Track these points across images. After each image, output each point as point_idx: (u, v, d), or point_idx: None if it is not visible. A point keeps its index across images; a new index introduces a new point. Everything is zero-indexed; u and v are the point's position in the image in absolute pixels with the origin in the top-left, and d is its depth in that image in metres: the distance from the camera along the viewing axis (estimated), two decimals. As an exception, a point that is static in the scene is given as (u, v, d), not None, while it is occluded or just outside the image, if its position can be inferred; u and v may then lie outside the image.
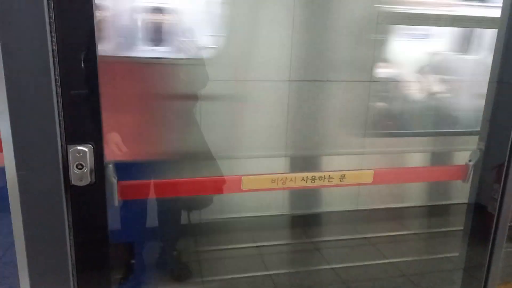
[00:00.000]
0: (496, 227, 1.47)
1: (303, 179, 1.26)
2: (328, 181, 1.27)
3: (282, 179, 1.24)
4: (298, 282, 2.36)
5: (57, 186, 1.03)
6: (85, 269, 1.14)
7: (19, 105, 0.97)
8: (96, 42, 1.03)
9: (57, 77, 0.99)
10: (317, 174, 1.26)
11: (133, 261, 2.25)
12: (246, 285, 2.28)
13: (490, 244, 1.49)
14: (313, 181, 1.26)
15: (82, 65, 1.03)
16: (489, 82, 1.43)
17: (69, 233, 1.07)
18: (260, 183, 1.25)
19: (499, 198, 1.42)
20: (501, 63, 1.40)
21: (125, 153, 1.67)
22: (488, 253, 1.50)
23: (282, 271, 2.45)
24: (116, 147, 1.61)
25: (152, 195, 1.24)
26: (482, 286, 1.52)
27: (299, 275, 2.44)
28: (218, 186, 1.25)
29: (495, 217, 1.44)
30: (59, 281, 1.11)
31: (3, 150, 0.99)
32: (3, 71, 0.94)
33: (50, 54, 0.97)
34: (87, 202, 1.07)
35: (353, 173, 1.31)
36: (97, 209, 1.09)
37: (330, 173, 1.27)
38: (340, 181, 1.28)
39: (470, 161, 1.46)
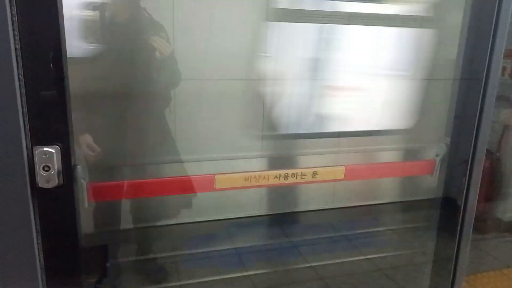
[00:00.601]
0: (463, 220, 1.52)
1: (276, 177, 1.27)
2: (301, 178, 1.29)
3: (255, 177, 1.24)
4: (276, 281, 2.37)
5: (23, 189, 1.00)
6: (55, 275, 1.11)
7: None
8: (64, 40, 1.01)
9: (20, 76, 0.96)
10: (289, 172, 1.28)
11: (108, 264, 2.21)
12: (224, 286, 2.28)
13: (457, 236, 1.54)
14: (286, 178, 1.27)
15: (49, 64, 1.00)
16: (454, 79, 1.48)
17: (37, 237, 1.04)
18: (233, 181, 1.25)
19: (464, 192, 1.47)
20: (465, 61, 1.45)
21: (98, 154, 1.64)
22: (456, 245, 1.55)
23: (261, 271, 2.46)
24: (88, 149, 1.58)
25: (123, 196, 1.22)
26: (451, 277, 1.57)
27: (277, 274, 2.46)
28: (191, 185, 1.24)
29: (461, 210, 1.49)
30: (29, 286, 1.08)
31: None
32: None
33: (13, 53, 0.94)
34: (55, 205, 1.05)
35: (325, 169, 1.33)
36: (66, 211, 1.06)
37: (303, 170, 1.29)
38: (313, 177, 1.30)
39: (437, 155, 1.50)
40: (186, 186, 1.27)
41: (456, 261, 1.50)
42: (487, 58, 1.40)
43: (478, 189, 1.50)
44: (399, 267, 2.47)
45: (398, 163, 1.68)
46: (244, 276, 2.39)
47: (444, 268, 1.62)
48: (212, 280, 2.35)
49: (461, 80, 1.49)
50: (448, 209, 1.56)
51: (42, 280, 1.09)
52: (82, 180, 1.10)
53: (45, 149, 1.00)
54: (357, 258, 2.60)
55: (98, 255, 2.21)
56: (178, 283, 2.33)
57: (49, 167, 1.00)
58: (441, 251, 1.61)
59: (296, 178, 1.28)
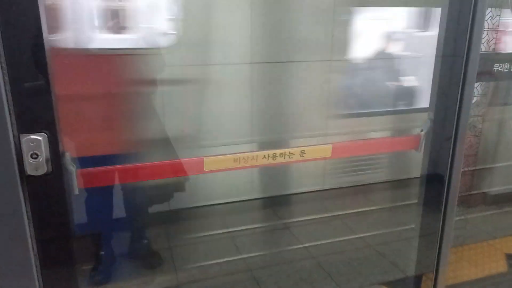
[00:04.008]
0: (447, 194, 1.55)
1: (264, 157, 1.28)
2: (289, 157, 1.31)
3: (244, 158, 1.26)
4: (271, 263, 2.42)
5: (12, 177, 1.00)
6: (49, 261, 1.13)
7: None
8: (44, 27, 1.00)
9: (3, 65, 0.96)
10: (277, 151, 1.29)
11: (102, 252, 2.23)
12: (219, 269, 2.32)
13: (443, 210, 1.58)
14: (274, 158, 1.29)
15: (32, 52, 1.00)
16: (436, 56, 1.50)
17: (29, 225, 1.05)
18: (222, 163, 1.27)
19: (448, 167, 1.50)
20: (445, 38, 1.46)
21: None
22: (441, 220, 1.59)
23: (255, 254, 2.50)
24: None
25: (113, 182, 1.23)
26: (437, 250, 1.62)
27: (272, 256, 2.50)
28: (180, 168, 1.25)
29: (446, 185, 1.52)
30: (23, 276, 1.09)
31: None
32: None
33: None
34: (45, 192, 1.05)
35: (312, 148, 1.35)
36: (56, 198, 1.07)
37: (291, 150, 1.31)
38: (301, 156, 1.32)
39: (421, 130, 1.53)
40: (176, 170, 1.28)
41: (442, 234, 1.54)
42: (468, 35, 1.42)
43: (462, 164, 1.53)
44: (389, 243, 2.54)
45: (384, 139, 1.70)
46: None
47: (430, 242, 1.67)
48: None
49: (443, 56, 1.51)
50: (433, 184, 1.59)
51: (36, 268, 1.10)
52: (71, 167, 1.11)
53: (32, 137, 1.00)
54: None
55: (92, 243, 2.23)
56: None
57: (37, 154, 1.01)
58: (427, 226, 1.65)
59: (284, 157, 1.30)
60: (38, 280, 1.10)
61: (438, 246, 1.56)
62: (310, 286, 2.15)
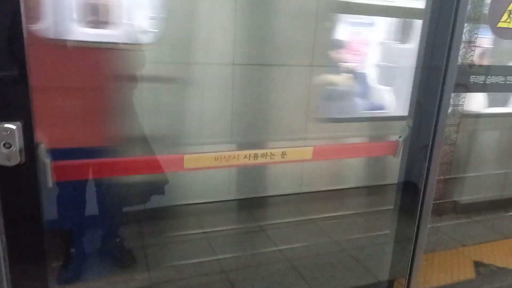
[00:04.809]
0: (423, 201, 1.59)
1: (245, 157, 1.28)
2: (270, 158, 1.31)
3: (225, 157, 1.25)
4: (245, 264, 2.41)
5: (-17, 167, 0.96)
6: (19, 257, 1.08)
7: None
8: (23, 16, 0.97)
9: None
10: (259, 152, 1.29)
11: (72, 249, 2.16)
12: (193, 270, 2.29)
13: (417, 217, 1.62)
14: (255, 158, 1.29)
15: (8, 40, 0.96)
16: (416, 66, 1.54)
17: (-2, 217, 1.01)
18: (203, 161, 1.25)
19: (424, 175, 1.54)
20: (425, 50, 1.50)
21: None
22: (415, 226, 1.63)
23: (229, 255, 2.48)
24: None
25: (89, 176, 1.19)
26: (410, 255, 1.65)
27: (246, 258, 2.49)
28: (159, 165, 1.23)
29: (421, 192, 1.56)
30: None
31: None
32: None
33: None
34: (17, 183, 1.01)
35: (293, 149, 1.35)
36: (28, 190, 1.03)
37: (272, 150, 1.30)
38: (282, 158, 1.32)
39: (400, 137, 1.57)
40: (154, 166, 1.26)
41: (416, 240, 1.57)
42: (447, 48, 1.46)
43: (437, 172, 1.57)
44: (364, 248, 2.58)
45: (363, 144, 1.73)
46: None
47: (404, 247, 1.71)
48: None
49: (423, 67, 1.55)
50: (409, 190, 1.63)
51: (5, 263, 1.05)
52: (46, 159, 1.07)
53: (5, 125, 0.96)
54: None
55: (62, 240, 2.16)
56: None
57: (10, 144, 0.96)
58: (401, 231, 1.68)
59: (266, 158, 1.30)
60: (6, 275, 1.05)
61: (411, 252, 1.59)
62: (284, 289, 2.15)
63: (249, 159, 1.28)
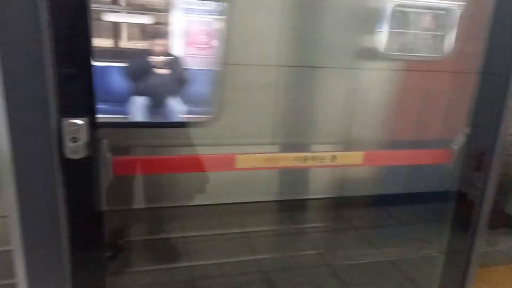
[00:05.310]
0: (478, 213, 1.52)
1: (295, 159, 1.28)
2: (320, 162, 1.30)
3: (275, 159, 1.26)
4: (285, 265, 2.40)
5: (51, 159, 1.02)
6: (79, 243, 1.15)
7: (13, 78, 0.96)
8: (90, 18, 1.03)
9: (51, 50, 0.98)
10: (309, 155, 1.29)
11: (120, 241, 2.26)
12: (232, 268, 2.32)
13: (472, 230, 1.54)
14: (305, 161, 1.29)
15: (77, 40, 1.02)
16: (477, 72, 1.47)
17: (63, 206, 1.07)
18: (254, 162, 1.27)
19: (481, 187, 1.47)
20: (485, 56, 1.44)
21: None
22: (469, 239, 1.55)
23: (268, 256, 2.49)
24: None
25: (145, 172, 1.24)
26: (463, 269, 1.58)
27: (285, 259, 2.48)
28: (212, 164, 1.26)
29: (478, 203, 1.48)
30: (53, 255, 1.11)
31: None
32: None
33: (44, 25, 0.95)
34: (81, 175, 1.07)
35: (344, 154, 1.34)
36: (91, 182, 1.09)
37: (322, 154, 1.30)
38: (331, 161, 1.31)
39: (455, 145, 1.50)
40: (206, 164, 1.29)
41: (470, 253, 1.50)
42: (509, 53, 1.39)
43: (496, 183, 1.50)
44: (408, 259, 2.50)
45: (416, 151, 1.68)
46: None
47: (455, 261, 1.63)
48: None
49: (483, 73, 1.48)
50: (463, 200, 1.56)
51: (67, 247, 1.11)
52: (107, 154, 1.12)
53: (73, 121, 1.02)
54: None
55: (112, 233, 2.26)
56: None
57: (76, 138, 1.03)
58: (454, 244, 1.61)
59: (315, 161, 1.30)
60: (67, 260, 1.12)
61: (464, 265, 1.52)
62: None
63: (299, 162, 1.28)
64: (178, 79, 2.76)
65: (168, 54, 2.70)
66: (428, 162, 1.58)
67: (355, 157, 1.36)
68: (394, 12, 2.68)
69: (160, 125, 2.63)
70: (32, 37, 0.94)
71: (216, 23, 3.00)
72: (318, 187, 2.80)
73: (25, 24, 0.93)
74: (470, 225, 1.52)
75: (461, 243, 1.58)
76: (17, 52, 0.94)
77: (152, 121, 2.66)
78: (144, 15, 3.29)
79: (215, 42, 2.99)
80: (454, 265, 1.65)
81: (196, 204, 2.50)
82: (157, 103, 2.66)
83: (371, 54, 2.59)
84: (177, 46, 3.03)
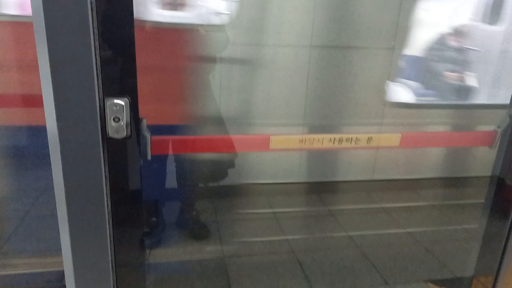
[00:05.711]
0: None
1: (330, 140, 1.27)
2: (355, 143, 1.29)
3: (309, 140, 1.26)
4: (313, 246, 2.43)
5: (95, 138, 1.06)
6: (121, 221, 1.20)
7: (59, 60, 0.99)
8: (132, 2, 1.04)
9: (95, 30, 1.01)
10: (344, 136, 1.28)
11: (154, 219, 2.34)
12: (262, 247, 2.36)
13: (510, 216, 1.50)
14: (340, 143, 1.28)
15: (120, 21, 1.04)
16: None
17: (105, 183, 1.12)
18: (288, 142, 1.27)
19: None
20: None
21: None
22: (509, 224, 1.51)
23: (298, 237, 2.52)
24: None
25: (183, 151, 1.27)
26: (500, 253, 1.55)
27: (314, 240, 2.51)
28: (248, 144, 1.27)
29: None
30: (96, 232, 1.17)
31: (44, 103, 1.02)
32: (44, 28, 0.95)
33: (89, 7, 0.98)
34: (123, 154, 1.11)
35: (380, 135, 1.32)
36: (132, 161, 1.13)
37: (358, 135, 1.28)
38: (367, 143, 1.29)
39: (498, 127, 1.45)
40: (242, 145, 1.30)
41: (508, 237, 1.47)
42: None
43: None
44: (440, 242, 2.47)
45: (456, 133, 1.62)
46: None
47: (493, 245, 1.60)
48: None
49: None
50: (504, 184, 1.51)
51: (108, 225, 1.17)
52: (147, 133, 1.16)
53: (115, 101, 1.05)
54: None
55: (148, 210, 2.34)
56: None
57: (118, 118, 1.06)
58: (491, 227, 1.57)
59: (351, 143, 1.29)
60: (109, 237, 1.17)
61: (502, 250, 1.49)
62: (356, 277, 2.14)
63: (334, 143, 1.27)
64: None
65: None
66: (469, 144, 1.53)
67: (392, 138, 1.34)
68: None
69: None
70: (78, 19, 0.97)
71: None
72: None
73: (71, 7, 0.96)
74: (510, 208, 1.48)
75: (499, 228, 1.54)
76: (63, 35, 0.97)
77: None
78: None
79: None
80: (490, 251, 1.61)
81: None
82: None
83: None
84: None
